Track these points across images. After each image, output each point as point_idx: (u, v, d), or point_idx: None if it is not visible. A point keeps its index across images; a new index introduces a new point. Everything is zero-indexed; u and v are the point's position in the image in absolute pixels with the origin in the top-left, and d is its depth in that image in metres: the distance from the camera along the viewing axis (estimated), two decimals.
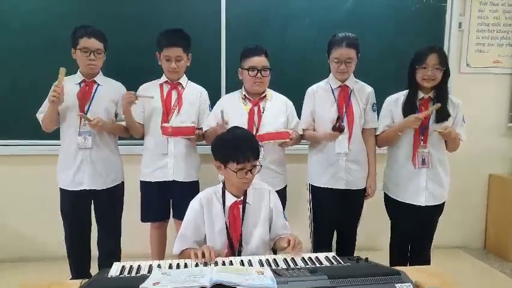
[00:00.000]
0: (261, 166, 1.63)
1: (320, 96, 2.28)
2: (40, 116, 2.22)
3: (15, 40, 2.71)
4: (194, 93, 2.36)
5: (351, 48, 2.14)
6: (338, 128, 2.16)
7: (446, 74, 2.13)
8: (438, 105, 2.08)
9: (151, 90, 2.31)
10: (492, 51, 3.21)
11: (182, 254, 1.61)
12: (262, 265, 1.39)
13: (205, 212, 1.64)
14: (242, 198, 1.65)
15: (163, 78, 2.33)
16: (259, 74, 2.17)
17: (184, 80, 2.35)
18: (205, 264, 1.39)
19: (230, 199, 1.64)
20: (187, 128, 2.21)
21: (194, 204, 1.67)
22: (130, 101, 2.16)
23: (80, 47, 2.13)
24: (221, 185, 1.69)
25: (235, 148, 1.56)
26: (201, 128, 2.33)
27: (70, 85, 2.17)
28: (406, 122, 2.12)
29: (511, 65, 3.24)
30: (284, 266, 1.39)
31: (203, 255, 1.43)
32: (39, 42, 2.71)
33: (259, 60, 2.18)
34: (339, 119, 2.18)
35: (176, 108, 2.28)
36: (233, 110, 2.25)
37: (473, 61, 3.21)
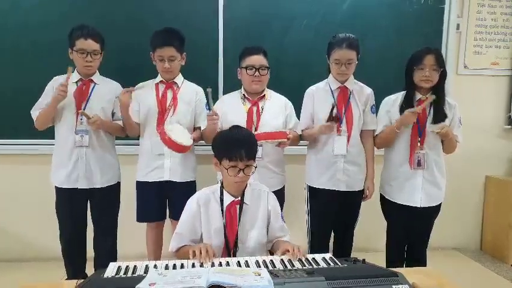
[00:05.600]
0: (256, 167, 1.62)
1: (319, 97, 2.26)
2: (35, 113, 2.21)
3: (13, 40, 2.70)
4: (190, 92, 2.35)
5: (351, 50, 2.13)
6: (333, 118, 2.12)
7: (443, 75, 2.14)
8: (433, 96, 2.08)
9: (146, 91, 2.30)
10: (490, 52, 3.22)
11: (179, 252, 1.60)
12: (259, 266, 1.39)
13: (202, 212, 1.64)
14: (239, 198, 1.64)
15: (158, 78, 2.32)
16: (257, 72, 2.17)
17: (179, 79, 2.34)
18: (202, 264, 1.39)
19: (228, 199, 1.64)
20: (183, 146, 2.13)
21: (191, 203, 1.67)
22: (128, 103, 2.16)
23: (76, 49, 2.12)
24: (219, 184, 1.68)
25: (229, 145, 1.57)
26: (199, 128, 2.32)
27: None
28: (403, 118, 2.11)
29: (508, 66, 3.25)
30: (281, 267, 1.38)
31: (200, 253, 1.42)
32: (37, 42, 2.70)
33: (258, 59, 2.18)
34: (333, 108, 2.13)
35: (172, 107, 2.27)
36: (232, 109, 2.25)
37: (471, 63, 3.21)
